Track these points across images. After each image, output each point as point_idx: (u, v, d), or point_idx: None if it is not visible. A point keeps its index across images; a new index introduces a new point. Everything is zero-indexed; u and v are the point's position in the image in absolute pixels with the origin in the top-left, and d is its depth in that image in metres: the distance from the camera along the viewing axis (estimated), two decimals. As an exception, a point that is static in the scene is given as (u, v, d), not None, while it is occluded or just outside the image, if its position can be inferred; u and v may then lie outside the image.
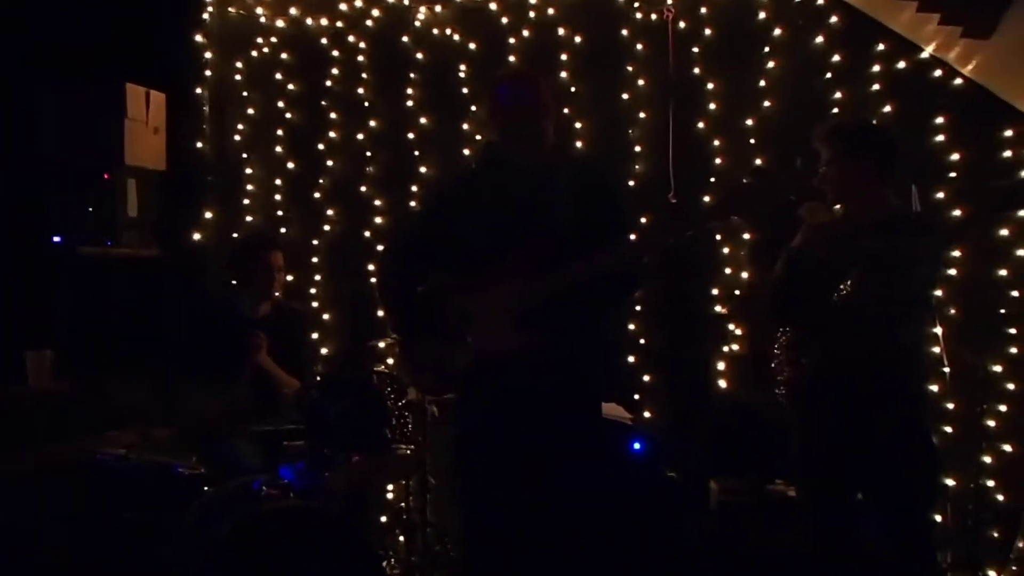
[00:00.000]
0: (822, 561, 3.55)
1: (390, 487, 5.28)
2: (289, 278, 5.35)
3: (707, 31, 5.06)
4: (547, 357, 3.02)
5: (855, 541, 3.52)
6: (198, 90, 5.58)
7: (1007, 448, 4.54)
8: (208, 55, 5.61)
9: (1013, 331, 4.60)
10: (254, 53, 5.65)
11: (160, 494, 3.85)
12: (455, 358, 3.09)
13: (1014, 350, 4.59)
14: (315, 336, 5.43)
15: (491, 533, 3.18)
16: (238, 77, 5.64)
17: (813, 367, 3.51)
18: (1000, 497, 4.53)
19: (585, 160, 3.22)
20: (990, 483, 4.51)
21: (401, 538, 5.00)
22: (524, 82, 3.29)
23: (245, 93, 5.64)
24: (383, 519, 5.26)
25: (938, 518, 4.53)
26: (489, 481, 3.16)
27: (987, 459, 4.44)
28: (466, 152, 5.32)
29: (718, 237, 4.99)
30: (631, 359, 5.10)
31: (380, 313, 5.14)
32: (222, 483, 3.80)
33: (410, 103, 5.46)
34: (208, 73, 5.61)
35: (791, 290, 3.58)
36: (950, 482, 4.53)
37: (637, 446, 4.23)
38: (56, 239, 5.00)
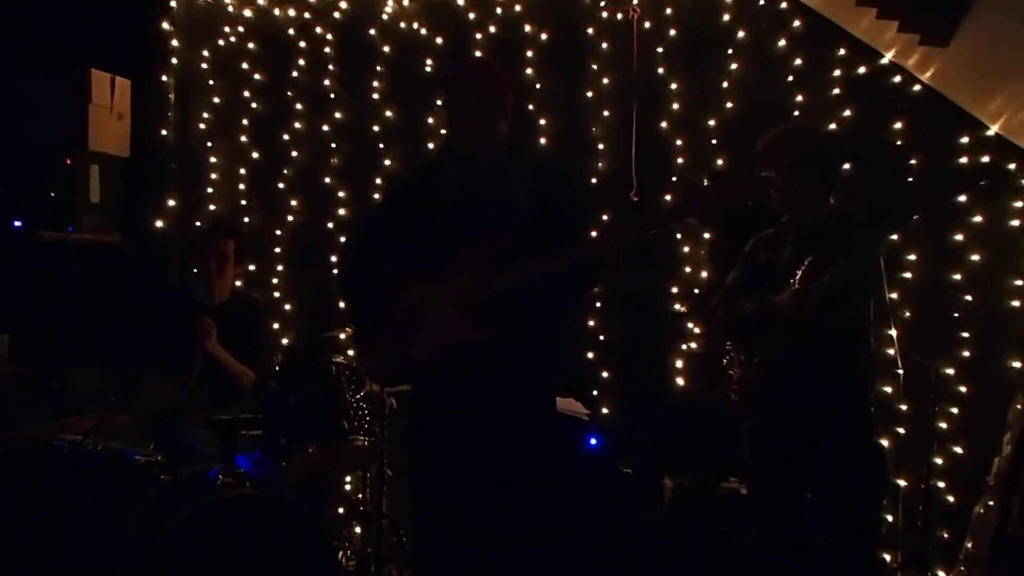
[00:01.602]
0: (771, 557, 3.60)
1: (348, 478, 5.29)
2: (251, 267, 5.37)
3: (671, 31, 5.10)
4: (502, 351, 3.02)
5: (803, 538, 3.57)
6: (163, 77, 5.55)
7: (957, 450, 4.62)
8: (174, 42, 5.58)
9: (966, 335, 4.68)
10: (220, 42, 5.62)
11: (116, 481, 3.81)
12: (410, 350, 3.10)
13: (966, 353, 4.67)
14: (276, 326, 5.42)
15: (442, 529, 3.18)
16: (204, 65, 5.61)
17: (761, 365, 3.57)
18: (950, 498, 4.61)
19: (544, 153, 3.22)
20: (940, 484, 4.58)
21: (357, 529, 5.02)
22: (476, 71, 3.30)
23: (210, 82, 5.61)
24: (340, 510, 5.27)
25: (889, 518, 4.61)
26: (440, 475, 3.17)
27: (938, 460, 4.51)
28: (431, 146, 5.32)
29: (678, 236, 5.03)
30: (590, 355, 5.14)
31: (341, 304, 5.17)
32: (178, 471, 3.79)
33: (375, 95, 5.46)
34: (174, 61, 5.59)
35: (742, 296, 3.65)
36: (901, 483, 4.61)
37: (593, 441, 4.27)
38: (16, 223, 4.96)
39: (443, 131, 5.24)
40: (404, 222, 3.23)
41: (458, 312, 3.02)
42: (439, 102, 5.30)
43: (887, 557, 4.60)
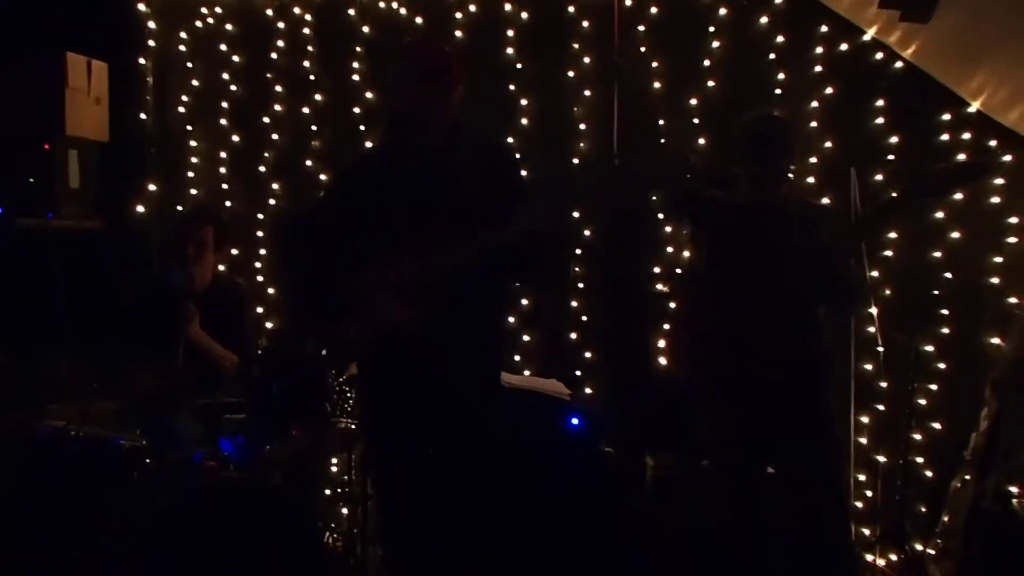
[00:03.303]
0: (734, 535, 3.66)
1: (334, 461, 5.30)
2: (234, 252, 5.36)
3: (652, 10, 5.08)
4: (435, 332, 3.05)
5: (765, 515, 3.62)
6: (141, 60, 5.51)
7: (936, 426, 4.66)
8: (151, 25, 5.54)
9: (945, 312, 4.70)
10: (198, 24, 5.59)
11: (101, 467, 3.83)
12: (349, 331, 3.15)
13: (946, 331, 4.70)
14: (260, 310, 5.42)
15: (402, 513, 3.25)
16: (182, 48, 5.58)
17: (719, 340, 3.63)
18: (928, 473, 4.65)
19: (486, 138, 3.25)
20: (919, 459, 4.62)
21: (344, 511, 5.04)
22: (428, 51, 3.28)
23: (189, 64, 5.58)
24: (326, 492, 5.29)
25: (868, 493, 4.67)
26: (391, 456, 3.23)
27: (916, 436, 4.55)
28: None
29: (660, 216, 5.04)
30: (572, 336, 5.16)
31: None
32: (163, 456, 3.80)
33: (356, 77, 5.43)
34: (151, 43, 5.55)
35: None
36: (880, 458, 4.66)
37: (575, 421, 4.28)
38: (-5, 210, 4.94)
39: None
40: (351, 208, 3.25)
41: (392, 294, 3.07)
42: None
43: (866, 531, 4.66)
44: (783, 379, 3.52)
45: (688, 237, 3.82)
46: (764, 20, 4.95)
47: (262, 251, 5.53)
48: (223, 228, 4.59)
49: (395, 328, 3.07)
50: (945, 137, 4.71)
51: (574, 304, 5.16)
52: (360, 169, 3.42)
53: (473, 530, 3.17)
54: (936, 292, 4.70)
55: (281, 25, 5.52)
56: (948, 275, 4.70)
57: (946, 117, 4.72)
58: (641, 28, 5.09)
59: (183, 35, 5.59)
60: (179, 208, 5.45)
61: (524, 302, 5.12)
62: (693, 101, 5.03)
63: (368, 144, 5.38)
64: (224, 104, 5.57)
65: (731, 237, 3.66)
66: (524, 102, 5.20)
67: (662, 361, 4.96)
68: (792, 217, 3.60)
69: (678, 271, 4.99)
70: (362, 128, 5.40)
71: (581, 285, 5.15)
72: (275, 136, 5.52)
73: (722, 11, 5.00)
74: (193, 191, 5.54)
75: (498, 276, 3.21)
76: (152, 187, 5.48)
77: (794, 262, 3.50)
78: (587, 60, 5.16)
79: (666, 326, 4.95)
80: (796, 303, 3.55)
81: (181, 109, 5.58)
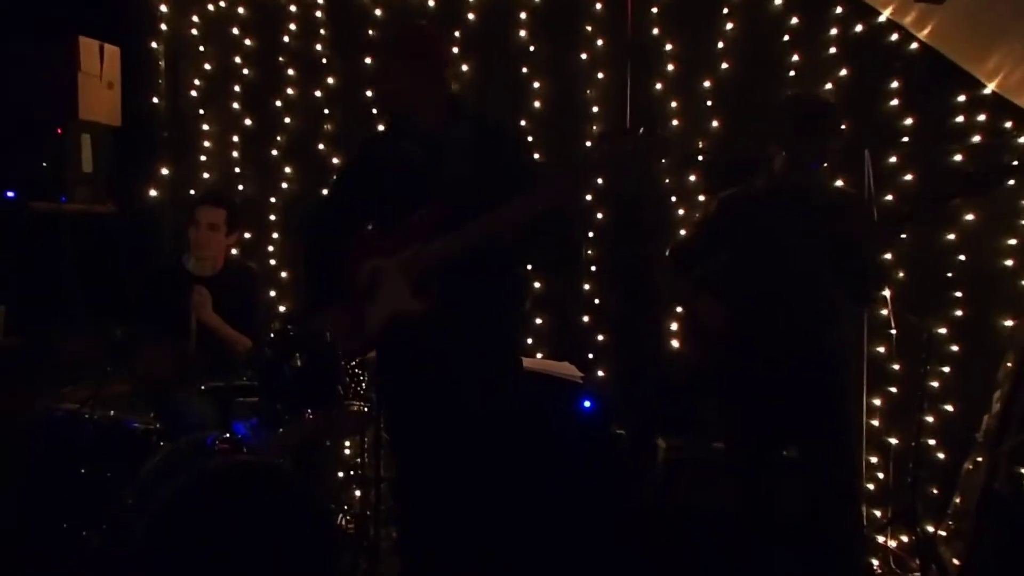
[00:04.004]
0: (744, 519, 3.66)
1: (346, 443, 5.32)
2: (247, 236, 5.38)
3: (666, -9, 5.06)
4: (445, 319, 3.06)
5: (775, 500, 3.61)
6: (153, 44, 5.51)
7: (948, 408, 4.66)
8: (163, 8, 5.53)
9: (959, 294, 4.69)
10: (210, 7, 5.57)
11: (114, 449, 3.86)
12: (364, 324, 3.17)
13: (959, 313, 4.69)
14: (272, 294, 5.43)
15: (422, 497, 3.26)
16: (193, 32, 5.56)
17: (737, 333, 3.61)
18: (940, 455, 4.64)
19: (488, 117, 3.23)
20: (931, 442, 4.61)
21: (357, 493, 5.07)
22: (405, 34, 3.30)
23: (201, 48, 5.57)
24: (339, 475, 5.31)
25: (880, 475, 4.66)
26: (411, 442, 3.24)
27: (929, 418, 4.53)
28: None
29: (672, 199, 5.03)
30: (585, 319, 5.16)
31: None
32: (176, 439, 3.82)
33: (368, 60, 5.41)
34: (163, 27, 5.54)
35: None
36: (892, 441, 4.66)
37: (587, 404, 4.28)
38: (8, 194, 4.95)
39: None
40: (355, 196, 3.28)
41: (403, 283, 3.07)
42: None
43: (877, 513, 4.66)
44: (797, 366, 3.50)
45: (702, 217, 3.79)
46: (778, 1, 4.93)
47: (274, 235, 5.52)
48: (234, 211, 4.59)
49: (407, 319, 3.08)
50: (960, 119, 4.69)
51: (586, 287, 5.16)
52: (361, 154, 3.43)
53: (484, 513, 3.18)
54: (949, 274, 4.68)
55: (293, 8, 5.50)
56: (962, 257, 4.67)
57: (961, 98, 4.69)
58: (654, 10, 5.06)
59: (195, 19, 5.58)
60: (191, 192, 5.44)
61: (536, 285, 5.11)
62: (707, 83, 5.00)
63: (380, 128, 5.38)
64: (236, 88, 5.56)
65: (754, 220, 3.62)
66: (536, 85, 5.18)
67: (673, 344, 4.95)
68: (820, 203, 3.57)
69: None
70: (374, 111, 5.39)
71: (593, 268, 5.14)
72: (287, 120, 5.51)
73: (736, -8, 4.98)
74: (205, 175, 5.54)
75: (508, 258, 3.19)
76: (164, 171, 5.49)
77: (817, 249, 3.46)
78: (600, 43, 5.14)
79: (679, 308, 4.94)
80: (815, 290, 3.53)
81: (193, 93, 5.58)
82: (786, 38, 4.92)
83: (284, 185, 5.53)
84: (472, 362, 3.14)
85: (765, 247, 3.55)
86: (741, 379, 3.61)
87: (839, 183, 4.50)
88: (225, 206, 4.56)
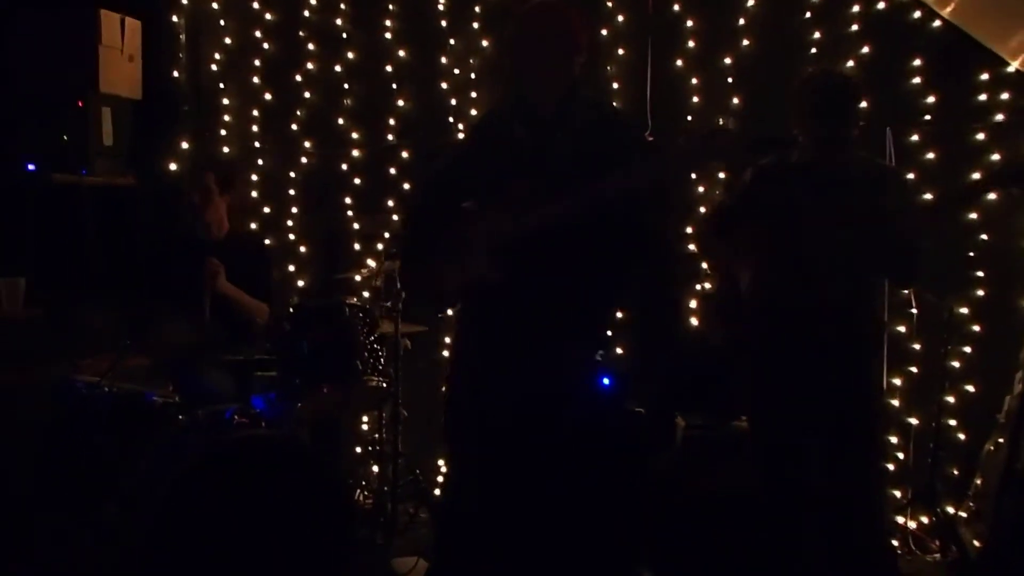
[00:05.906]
0: (765, 498, 3.65)
1: (364, 418, 5.34)
2: (266, 210, 5.40)
3: (686, -33, 5.02)
4: (521, 293, 3.00)
5: (804, 482, 3.59)
6: (173, 18, 5.50)
7: (969, 388, 4.62)
8: (184, -19, 5.54)
9: (980, 274, 4.65)
10: (230, -20, 5.58)
11: (133, 422, 3.87)
12: (445, 278, 3.13)
13: (980, 292, 4.65)
14: (291, 268, 5.44)
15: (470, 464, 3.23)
16: (214, 5, 5.54)
17: (768, 310, 3.58)
18: (961, 436, 4.62)
19: (608, 106, 3.12)
20: (951, 422, 4.60)
21: (375, 468, 5.09)
22: (547, 13, 3.07)
23: (221, 22, 5.55)
24: (357, 450, 5.34)
25: (900, 455, 4.65)
26: (471, 415, 3.20)
27: (949, 399, 4.53)
28: (444, 86, 5.30)
29: (693, 176, 5.00)
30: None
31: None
32: (194, 412, 3.84)
33: (388, 35, 5.40)
34: (184, 1, 5.53)
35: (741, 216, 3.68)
36: (913, 421, 4.64)
37: (606, 381, 4.27)
38: (30, 167, 4.98)
39: (456, 71, 5.25)
40: (463, 168, 3.21)
41: (484, 250, 3.00)
42: (452, 41, 5.27)
43: (897, 493, 4.65)
44: (828, 347, 3.47)
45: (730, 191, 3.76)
46: (799, -22, 4.88)
47: (294, 209, 5.53)
48: (222, 172, 4.59)
49: (479, 283, 3.02)
50: (983, 97, 4.64)
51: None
52: (475, 131, 3.39)
53: (521, 495, 3.17)
54: (971, 253, 4.64)
55: (313, -18, 5.49)
56: (984, 236, 4.63)
57: (984, 77, 4.64)
58: (675, -15, 5.03)
59: (216, -8, 5.58)
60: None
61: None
62: (727, 60, 4.96)
63: (400, 103, 5.38)
64: (256, 62, 5.54)
65: (788, 189, 3.56)
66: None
67: (693, 321, 4.94)
68: (855, 179, 3.51)
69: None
70: (394, 86, 5.38)
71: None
72: (307, 94, 5.49)
73: (757, -32, 4.93)
74: (225, 148, 5.54)
75: (598, 249, 3.03)
76: (184, 144, 5.48)
77: (853, 227, 3.40)
78: (621, 19, 5.10)
79: (698, 286, 4.93)
80: (850, 270, 3.46)
81: (213, 67, 5.56)
82: (808, 15, 4.86)
83: (303, 159, 5.53)
84: (541, 346, 3.08)
85: (797, 218, 3.50)
86: (770, 357, 3.58)
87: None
88: (211, 168, 4.59)
